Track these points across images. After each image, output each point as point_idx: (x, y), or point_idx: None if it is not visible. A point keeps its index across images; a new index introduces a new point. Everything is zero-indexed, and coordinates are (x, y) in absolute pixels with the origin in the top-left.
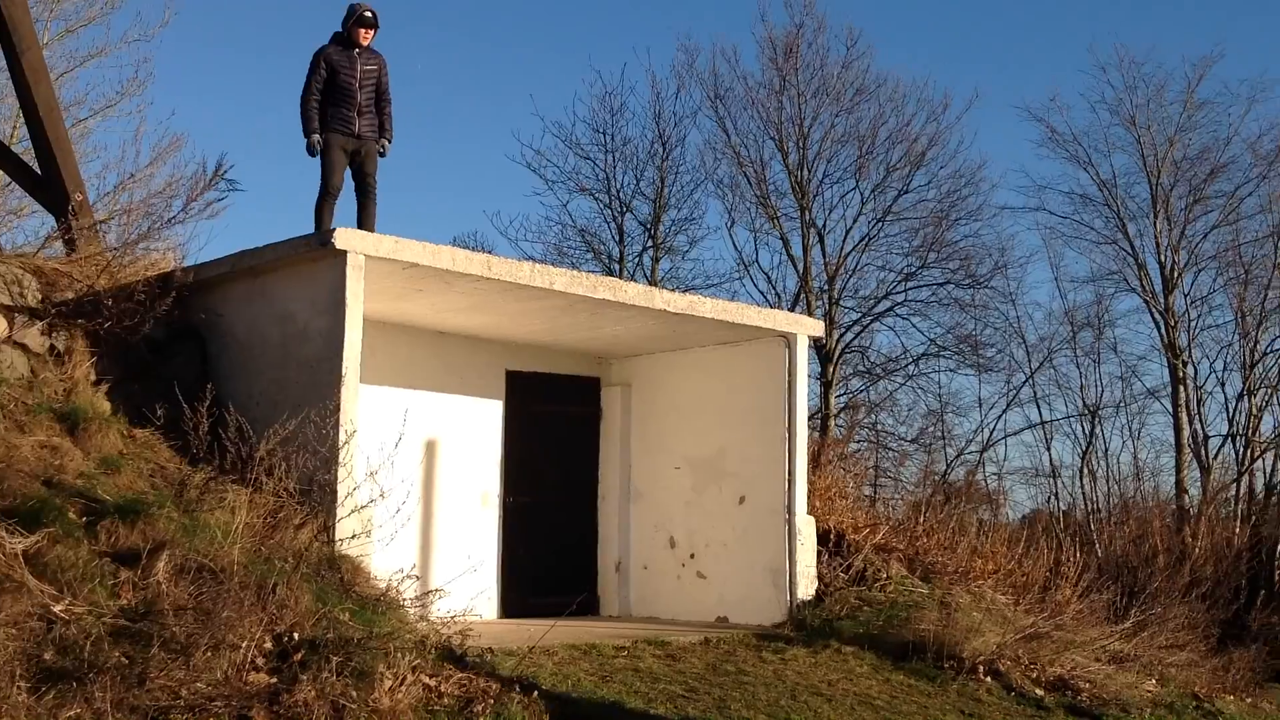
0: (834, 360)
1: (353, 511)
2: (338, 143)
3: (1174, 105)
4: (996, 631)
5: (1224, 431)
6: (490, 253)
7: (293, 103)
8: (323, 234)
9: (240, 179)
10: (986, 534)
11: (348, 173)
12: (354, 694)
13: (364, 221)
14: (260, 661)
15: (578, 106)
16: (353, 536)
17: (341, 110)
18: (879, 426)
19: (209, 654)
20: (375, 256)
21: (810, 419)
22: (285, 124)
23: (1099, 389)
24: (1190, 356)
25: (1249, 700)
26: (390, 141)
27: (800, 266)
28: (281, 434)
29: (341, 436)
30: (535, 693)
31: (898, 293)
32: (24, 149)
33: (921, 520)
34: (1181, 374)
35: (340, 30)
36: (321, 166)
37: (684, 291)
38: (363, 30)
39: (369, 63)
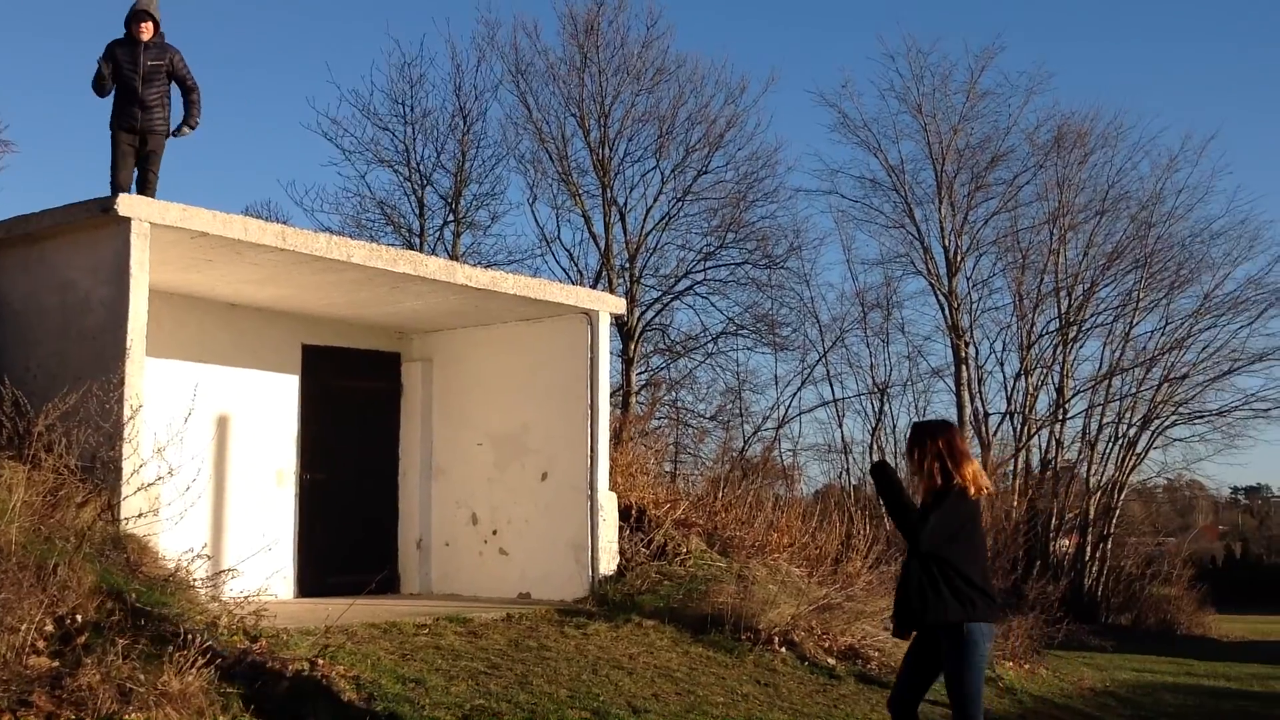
0: (635, 338)
1: (139, 489)
2: (123, 139)
3: (958, 95)
4: (791, 603)
5: (1003, 409)
6: (285, 223)
7: (72, 59)
8: (105, 200)
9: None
10: (782, 509)
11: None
12: (141, 677)
13: None
14: (41, 645)
15: (376, 76)
16: (139, 515)
17: (126, 106)
18: (679, 403)
19: None
20: (162, 224)
21: (612, 396)
22: (64, 85)
23: (888, 368)
24: (972, 337)
25: (1027, 666)
26: (194, 127)
27: (602, 244)
28: (61, 408)
29: (126, 411)
30: (333, 673)
31: (697, 272)
32: None
33: (720, 496)
34: (964, 354)
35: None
36: (111, 163)
37: (486, 267)
38: (139, 25)
39: (155, 58)
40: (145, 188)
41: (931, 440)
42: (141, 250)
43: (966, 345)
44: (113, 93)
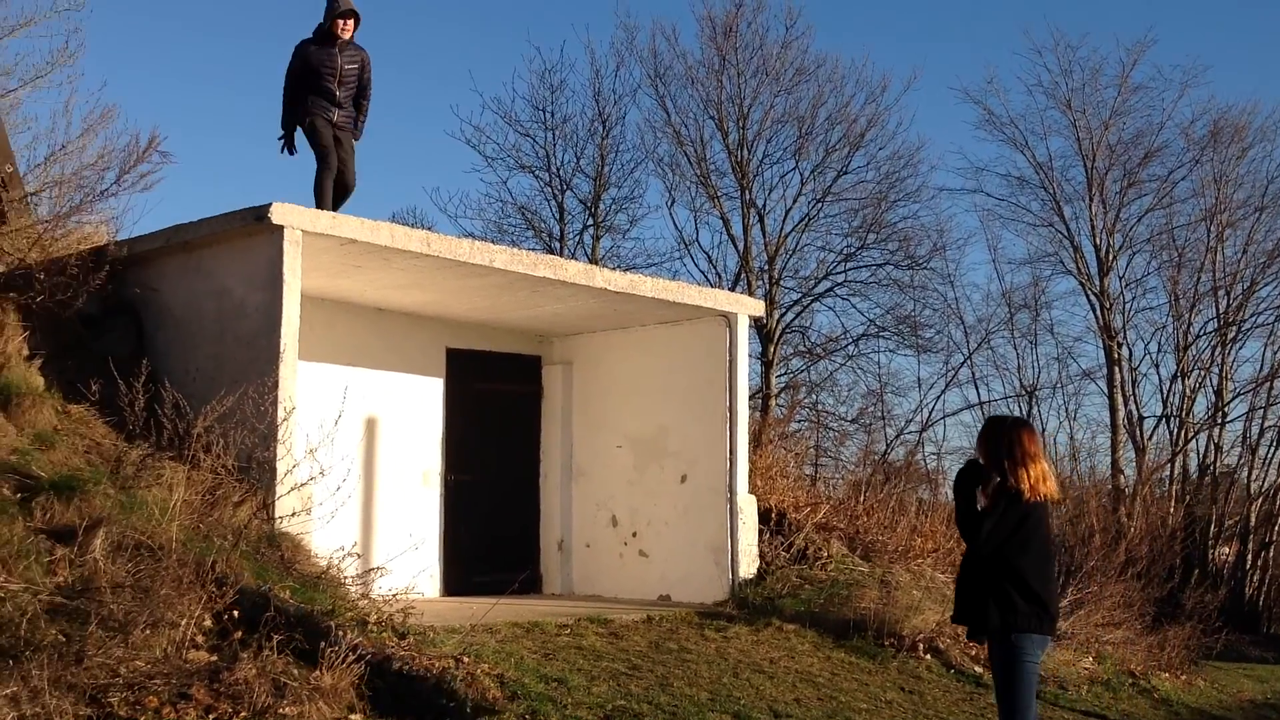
0: (774, 340)
1: (292, 489)
2: (323, 126)
3: (1108, 89)
4: (936, 609)
5: (1158, 413)
6: (429, 229)
7: (227, 74)
8: (259, 209)
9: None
10: (926, 513)
11: None
12: (295, 672)
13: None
14: (200, 639)
15: (517, 83)
16: (292, 514)
17: (320, 101)
18: (819, 406)
19: (148, 632)
20: (313, 232)
21: (751, 398)
22: (219, 95)
23: (1036, 370)
24: (1125, 338)
25: (1183, 678)
26: (358, 138)
27: (740, 246)
28: (219, 410)
29: (280, 413)
30: (478, 670)
31: (837, 273)
32: None
33: (862, 499)
34: (1116, 355)
35: (322, 24)
36: (314, 147)
37: (625, 270)
38: (341, 22)
39: (350, 61)
40: (344, 189)
41: (997, 439)
42: (294, 257)
43: (1119, 346)
44: (298, 89)
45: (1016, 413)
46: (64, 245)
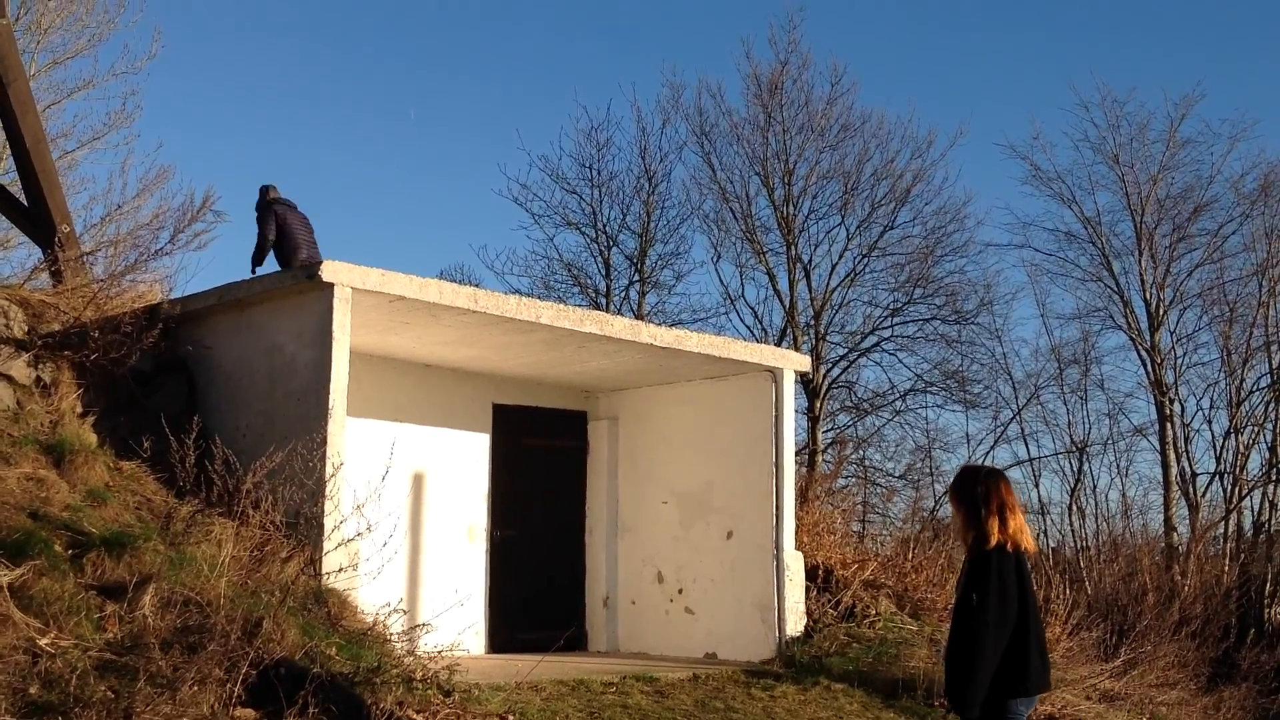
0: (821, 395)
1: (339, 545)
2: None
3: (1156, 144)
4: None
5: (1211, 469)
6: (477, 286)
7: (277, 135)
8: (310, 267)
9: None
10: None
11: None
12: None
13: None
14: (246, 696)
15: (564, 141)
16: (339, 570)
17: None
18: (866, 462)
19: (195, 688)
20: (362, 289)
21: (797, 454)
22: (271, 155)
23: (1086, 426)
24: (1177, 394)
25: None
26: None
27: (786, 301)
28: (268, 467)
29: (328, 469)
30: None
31: (884, 328)
32: (10, 180)
33: (910, 556)
34: (1168, 411)
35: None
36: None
37: (671, 326)
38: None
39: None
40: None
41: (973, 489)
42: (343, 314)
43: (1171, 402)
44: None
45: (1067, 469)
46: (118, 303)
